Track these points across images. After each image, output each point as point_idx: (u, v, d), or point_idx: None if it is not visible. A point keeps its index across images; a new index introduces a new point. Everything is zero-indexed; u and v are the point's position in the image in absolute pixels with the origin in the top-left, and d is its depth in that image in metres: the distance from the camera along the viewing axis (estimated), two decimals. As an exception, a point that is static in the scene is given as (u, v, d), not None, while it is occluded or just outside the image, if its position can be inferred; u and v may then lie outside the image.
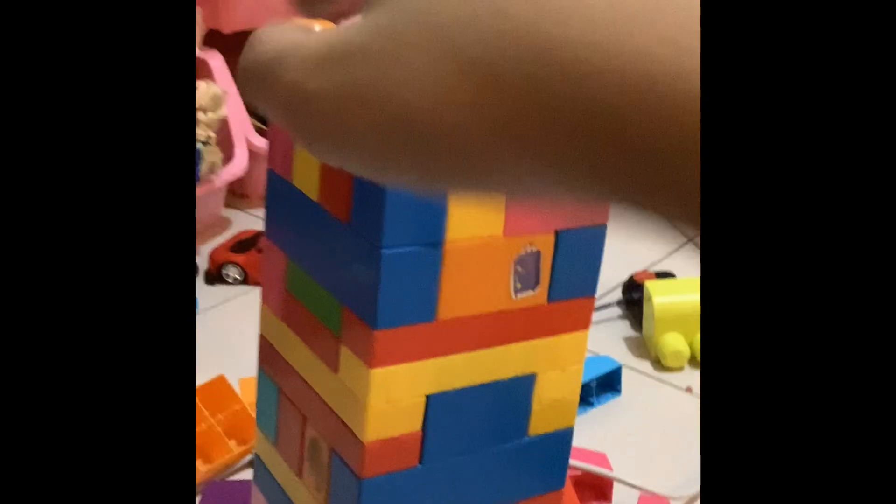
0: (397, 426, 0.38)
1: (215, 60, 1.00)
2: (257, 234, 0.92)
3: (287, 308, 0.43)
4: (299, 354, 0.42)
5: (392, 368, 0.37)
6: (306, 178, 0.40)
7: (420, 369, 0.38)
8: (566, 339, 0.42)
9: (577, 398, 0.44)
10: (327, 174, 0.38)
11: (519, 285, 0.39)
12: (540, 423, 0.42)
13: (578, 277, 0.41)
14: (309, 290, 0.40)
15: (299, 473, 0.43)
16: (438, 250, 0.36)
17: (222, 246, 0.91)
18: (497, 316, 0.39)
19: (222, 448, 0.62)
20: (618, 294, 0.86)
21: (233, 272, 0.88)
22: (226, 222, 1.02)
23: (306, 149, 0.18)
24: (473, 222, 0.37)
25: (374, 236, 0.35)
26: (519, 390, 0.41)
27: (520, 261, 0.39)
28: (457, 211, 0.36)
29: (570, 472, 0.50)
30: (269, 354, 0.45)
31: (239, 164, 0.96)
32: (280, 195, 0.42)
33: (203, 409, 0.62)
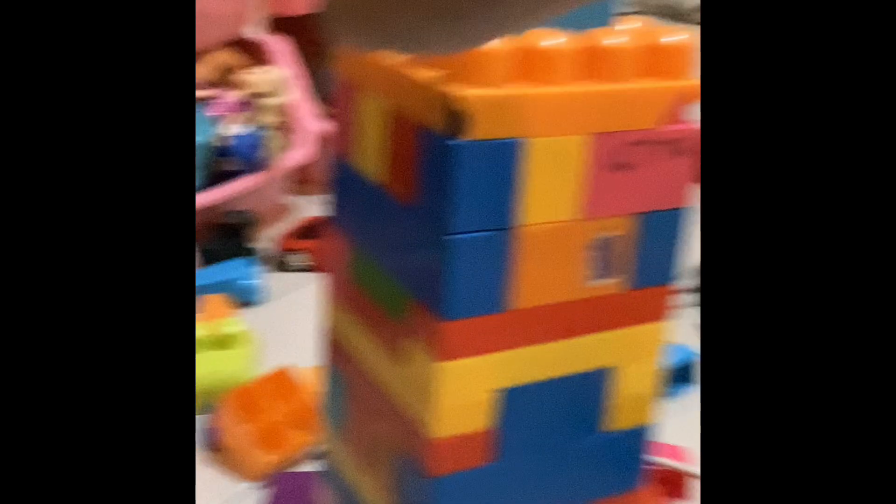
0: (468, 422, 0.36)
1: (280, 45, 0.99)
2: (322, 221, 0.91)
3: (352, 297, 0.41)
4: (365, 346, 0.40)
5: (462, 362, 0.35)
6: (371, 161, 0.38)
7: (491, 362, 0.36)
8: (645, 330, 0.39)
9: (656, 393, 0.41)
10: (392, 157, 0.36)
11: (596, 272, 0.37)
12: (617, 419, 0.40)
13: (658, 264, 0.38)
14: (374, 279, 0.39)
15: (367, 469, 0.41)
16: (511, 236, 0.34)
17: (287, 233, 0.90)
18: (572, 305, 0.37)
19: (287, 439, 0.61)
20: (694, 280, 0.83)
21: (297, 259, 0.87)
22: (290, 209, 1.01)
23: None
24: (548, 205, 0.34)
25: (442, 221, 0.33)
26: (595, 384, 0.39)
27: (597, 246, 0.36)
28: (531, 193, 0.34)
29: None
30: (333, 345, 0.43)
31: (303, 150, 0.95)
32: (344, 179, 0.40)
33: (268, 398, 0.61)
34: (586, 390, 0.39)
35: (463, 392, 0.35)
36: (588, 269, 0.36)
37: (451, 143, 0.32)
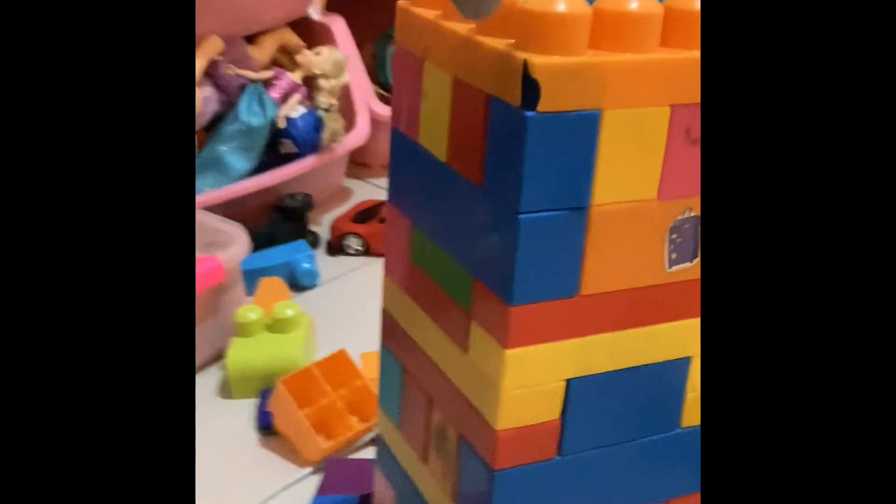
0: (534, 413, 0.34)
1: (337, 25, 0.98)
2: (379, 204, 0.90)
3: (412, 280, 0.39)
4: (425, 331, 0.38)
5: (529, 349, 0.33)
6: (434, 136, 0.36)
7: (560, 350, 0.33)
8: (725, 319, 0.36)
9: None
10: (458, 131, 0.34)
11: (674, 256, 0.34)
12: (695, 414, 0.37)
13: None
14: (436, 261, 0.37)
15: (424, 459, 0.39)
16: (583, 216, 0.32)
17: (343, 216, 0.89)
18: (648, 291, 0.34)
19: (343, 424, 0.59)
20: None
21: (354, 243, 0.86)
22: (347, 192, 1.00)
23: None
24: (623, 184, 0.32)
25: (510, 200, 0.31)
26: (671, 376, 0.36)
27: (676, 228, 0.34)
28: (605, 171, 0.31)
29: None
30: (392, 330, 0.42)
31: (361, 132, 0.93)
32: (404, 157, 0.39)
33: (324, 383, 0.60)
34: (662, 382, 0.36)
35: (529, 381, 0.33)
36: (666, 253, 0.34)
37: (522, 114, 0.30)
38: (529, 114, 0.29)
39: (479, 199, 0.33)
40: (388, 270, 0.42)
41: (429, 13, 0.35)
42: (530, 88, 0.29)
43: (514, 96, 0.30)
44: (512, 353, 0.32)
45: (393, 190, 0.40)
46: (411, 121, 0.37)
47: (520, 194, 0.31)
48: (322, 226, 0.91)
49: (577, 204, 0.31)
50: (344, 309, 0.76)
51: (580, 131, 0.30)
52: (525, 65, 0.29)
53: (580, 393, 0.34)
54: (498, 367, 0.33)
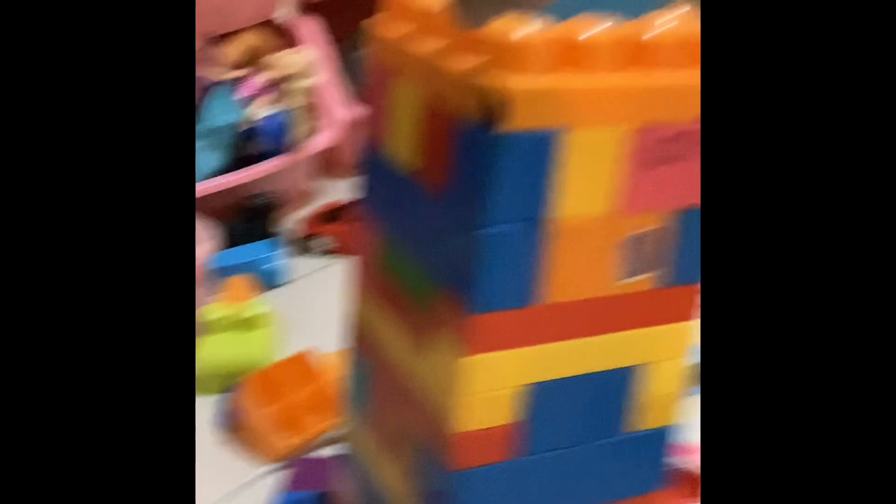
0: (492, 417, 0.35)
1: (309, 26, 0.98)
2: (347, 205, 0.91)
3: (379, 284, 0.40)
4: (390, 334, 0.40)
5: (488, 355, 0.34)
6: (403, 148, 0.37)
7: (518, 357, 0.35)
8: (677, 329, 0.38)
9: (682, 393, 0.40)
10: (425, 145, 0.35)
11: (630, 268, 0.36)
12: (642, 419, 0.39)
13: (689, 262, 0.37)
14: (403, 267, 0.38)
15: (387, 458, 0.41)
16: (543, 229, 0.33)
17: (312, 216, 0.90)
18: (603, 301, 0.36)
19: (308, 422, 0.61)
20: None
21: (322, 243, 0.87)
22: (316, 191, 1.01)
23: None
24: (583, 199, 0.34)
25: (473, 213, 0.32)
26: (622, 383, 0.38)
27: (632, 242, 0.35)
28: (567, 186, 0.33)
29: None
30: (358, 332, 0.43)
31: (330, 133, 0.94)
32: (375, 166, 0.40)
33: (288, 382, 0.61)
34: (614, 388, 0.38)
35: (488, 386, 0.35)
36: (621, 266, 0.36)
37: (488, 133, 0.31)
38: (494, 132, 0.31)
39: (444, 211, 0.34)
40: (357, 274, 0.43)
41: (399, 29, 0.37)
42: (495, 108, 0.31)
43: (479, 115, 0.31)
44: (471, 359, 0.34)
45: (364, 196, 0.42)
46: (382, 132, 0.39)
47: (483, 207, 0.32)
48: (290, 225, 0.92)
49: (537, 217, 0.33)
50: (310, 308, 0.77)
51: (542, 149, 0.32)
52: (491, 86, 0.30)
53: (537, 398, 0.36)
54: (457, 372, 0.34)
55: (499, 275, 0.33)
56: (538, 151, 0.32)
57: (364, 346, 0.42)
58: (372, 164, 0.40)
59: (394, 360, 0.39)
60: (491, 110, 0.31)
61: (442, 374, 0.36)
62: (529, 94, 0.31)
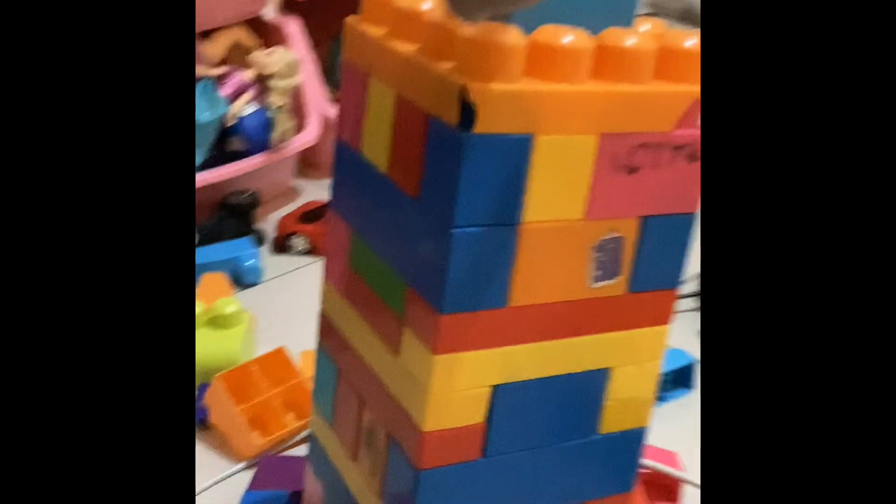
0: (460, 416, 0.36)
1: (292, 26, 0.99)
2: (326, 205, 0.91)
3: (349, 284, 0.40)
4: (360, 334, 0.40)
5: (457, 355, 0.35)
6: (376, 148, 0.37)
7: (487, 358, 0.35)
8: (645, 334, 0.39)
9: (652, 397, 0.41)
10: (398, 145, 0.36)
11: (598, 273, 0.36)
12: (612, 421, 0.40)
13: (662, 268, 0.38)
14: (372, 267, 0.38)
15: (354, 457, 0.41)
16: (513, 232, 0.34)
17: (290, 215, 0.89)
18: (572, 305, 0.36)
19: (279, 421, 0.60)
20: (694, 285, 0.82)
21: (299, 242, 0.87)
22: (295, 192, 1.01)
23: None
24: (553, 204, 0.34)
25: (444, 214, 0.33)
26: (591, 385, 0.38)
27: (600, 247, 0.36)
28: (535, 191, 0.33)
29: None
30: (328, 331, 0.43)
31: (311, 133, 0.94)
32: (347, 165, 0.40)
33: (262, 380, 0.61)
34: (583, 391, 0.38)
35: (456, 386, 0.35)
36: (590, 270, 0.36)
37: (458, 135, 0.31)
38: (466, 135, 0.31)
39: (416, 212, 0.35)
40: (327, 273, 0.43)
41: (376, 30, 0.37)
42: (467, 111, 0.31)
43: (452, 117, 0.31)
44: (440, 359, 0.34)
45: (335, 196, 0.42)
46: (355, 131, 0.39)
47: (454, 209, 0.32)
48: (268, 224, 0.92)
49: (508, 221, 0.33)
50: (286, 307, 0.77)
51: (513, 153, 0.32)
52: (463, 89, 0.31)
53: (505, 398, 0.36)
54: (427, 372, 0.35)
55: (469, 276, 0.33)
56: (508, 155, 0.32)
57: (332, 345, 0.42)
58: (343, 162, 0.40)
59: (361, 359, 0.40)
60: (463, 112, 0.31)
61: (410, 373, 0.36)
62: (502, 98, 0.31)
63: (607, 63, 0.33)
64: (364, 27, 0.38)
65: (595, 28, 0.33)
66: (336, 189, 0.42)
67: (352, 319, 0.40)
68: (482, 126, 0.31)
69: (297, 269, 0.85)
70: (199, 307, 0.68)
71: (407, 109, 0.35)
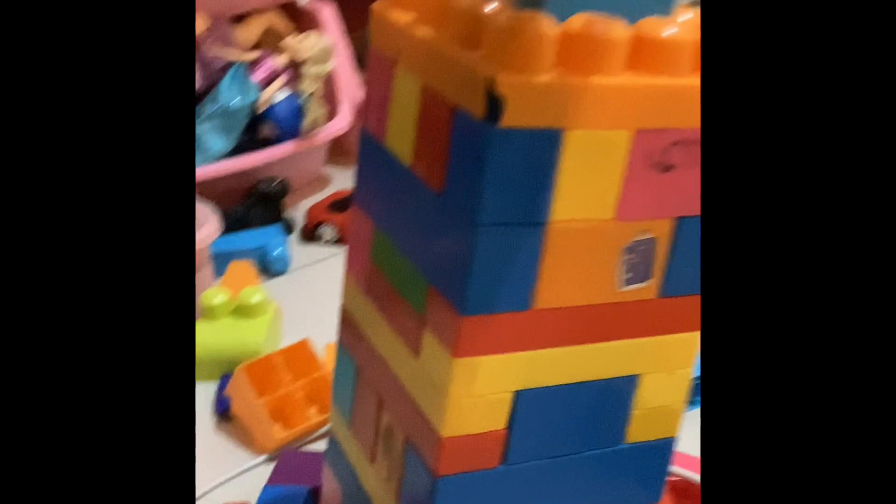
0: (480, 422, 0.34)
1: (326, 12, 0.97)
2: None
3: (370, 279, 0.39)
4: (380, 332, 0.38)
5: (478, 359, 0.33)
6: (400, 140, 0.36)
7: (510, 362, 0.34)
8: (676, 340, 0.37)
9: (683, 405, 0.39)
10: (423, 137, 0.34)
11: (628, 276, 0.34)
12: (640, 430, 0.38)
13: (696, 272, 0.36)
14: (394, 263, 0.37)
15: (371, 458, 0.40)
16: (540, 231, 0.32)
17: (319, 204, 0.89)
18: (601, 309, 0.34)
19: (301, 415, 0.60)
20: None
21: (328, 232, 0.86)
22: (326, 180, 1.00)
23: None
24: (583, 202, 0.32)
25: (469, 210, 0.31)
26: (618, 393, 0.37)
27: (632, 249, 0.34)
28: (564, 189, 0.31)
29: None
30: (349, 327, 0.42)
31: (343, 121, 0.93)
32: (371, 156, 0.39)
33: (285, 372, 0.60)
34: (609, 398, 0.37)
35: (477, 390, 0.34)
36: (620, 273, 0.34)
37: (485, 128, 0.30)
38: (492, 128, 0.30)
39: (439, 207, 0.33)
40: (349, 267, 0.42)
41: (404, 17, 0.35)
42: (494, 104, 0.29)
43: (478, 110, 0.30)
44: (461, 362, 0.33)
45: (358, 187, 0.40)
46: (380, 122, 0.37)
47: (478, 206, 0.31)
48: (297, 212, 0.91)
49: (535, 219, 0.32)
50: (312, 297, 0.76)
51: (542, 149, 0.31)
52: (491, 80, 0.29)
53: (527, 405, 0.35)
54: (447, 375, 0.33)
55: (493, 277, 0.32)
56: (537, 150, 0.30)
57: (352, 342, 0.41)
58: (367, 152, 0.39)
59: (380, 358, 0.38)
60: (489, 104, 0.29)
61: (430, 376, 0.34)
62: (531, 90, 0.29)
63: (644, 55, 0.31)
64: (391, 13, 0.36)
65: (632, 17, 0.31)
66: (360, 180, 0.40)
67: (372, 316, 0.39)
68: (510, 119, 0.30)
69: (325, 258, 0.84)
70: (225, 296, 0.67)
71: (433, 100, 0.33)
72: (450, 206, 0.32)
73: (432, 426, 0.34)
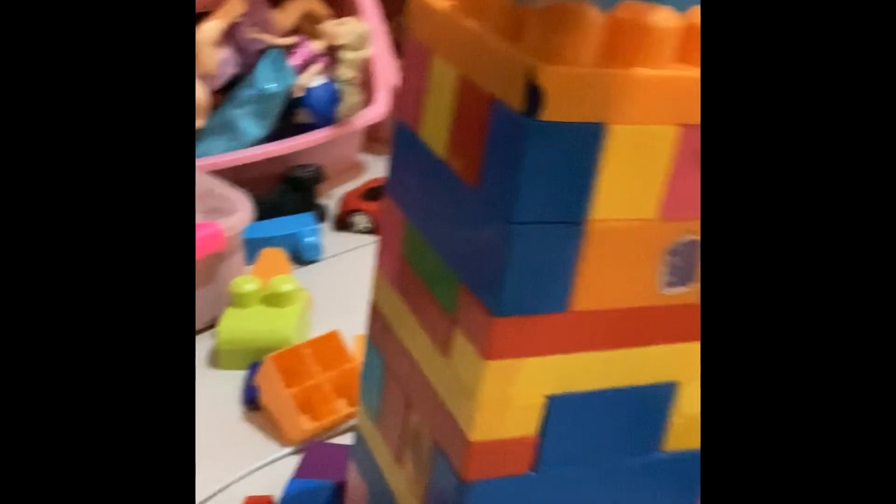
0: (510, 427, 0.33)
1: (365, -2, 0.96)
2: (390, 183, 0.89)
3: (401, 276, 0.38)
4: (410, 330, 0.37)
5: (510, 361, 0.32)
6: (435, 131, 0.34)
7: (543, 365, 0.32)
8: (720, 346, 0.35)
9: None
10: (459, 130, 0.33)
11: (671, 279, 0.33)
12: (678, 439, 0.36)
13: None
14: (426, 260, 0.36)
15: (398, 459, 0.39)
16: (579, 230, 0.30)
17: (354, 192, 0.88)
18: (640, 312, 0.33)
19: (329, 406, 0.59)
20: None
21: (361, 220, 0.85)
22: (361, 167, 0.99)
23: None
24: (625, 201, 0.31)
25: (505, 207, 0.30)
26: (657, 399, 0.35)
27: (675, 251, 0.32)
28: (606, 186, 0.30)
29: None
30: (378, 324, 0.41)
31: (379, 108, 0.92)
32: (405, 147, 0.37)
33: (314, 363, 0.59)
34: (647, 405, 0.35)
35: (508, 394, 0.32)
36: (663, 275, 0.33)
37: (524, 121, 0.28)
38: (531, 122, 0.28)
39: (474, 203, 0.32)
40: (380, 261, 0.41)
41: (442, 3, 0.34)
42: (534, 96, 0.28)
43: (518, 102, 0.28)
44: (492, 365, 0.31)
45: (391, 179, 0.39)
46: (414, 112, 0.36)
47: (515, 203, 0.29)
48: (331, 199, 0.90)
49: (573, 218, 0.30)
50: (344, 287, 0.75)
51: (583, 144, 0.29)
52: (531, 71, 0.28)
53: (560, 410, 0.33)
54: (477, 377, 0.32)
55: (528, 277, 0.31)
56: (578, 145, 0.29)
57: (382, 340, 0.40)
58: (400, 143, 0.38)
59: (409, 356, 0.37)
60: (529, 96, 0.28)
61: (461, 378, 0.33)
62: (574, 82, 0.28)
63: (695, 45, 0.29)
64: (431, 0, 0.35)
65: (680, 5, 0.29)
66: (392, 172, 0.39)
67: (402, 313, 0.38)
68: (550, 113, 0.28)
69: (357, 247, 0.83)
70: (255, 284, 0.66)
71: (470, 91, 0.32)
72: (485, 202, 0.31)
73: (461, 429, 0.33)
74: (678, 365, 0.35)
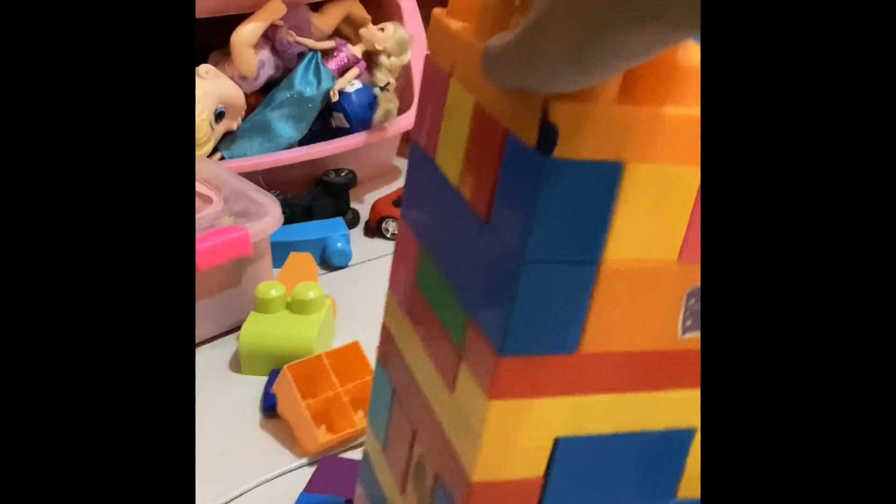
0: (515, 468, 0.32)
1: (407, 2, 0.95)
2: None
3: (412, 301, 0.37)
4: (418, 358, 0.36)
5: (516, 402, 0.31)
6: (450, 158, 0.33)
7: (551, 407, 0.31)
8: (740, 392, 0.33)
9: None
10: (472, 159, 0.32)
11: (689, 323, 0.31)
12: (694, 487, 0.35)
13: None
14: (437, 288, 0.35)
15: (402, 488, 0.38)
16: (592, 271, 0.29)
17: (385, 198, 0.87)
18: (656, 356, 0.32)
19: (347, 419, 0.58)
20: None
21: (392, 227, 0.84)
22: (396, 173, 0.98)
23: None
24: (642, 242, 0.29)
25: (515, 244, 0.29)
26: (672, 446, 0.34)
27: (695, 294, 0.31)
28: (622, 227, 0.29)
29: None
30: (388, 347, 0.40)
31: (414, 114, 0.91)
32: (420, 171, 0.36)
33: (332, 374, 0.59)
34: (661, 451, 0.34)
35: (514, 435, 0.31)
36: (680, 319, 0.31)
37: (537, 157, 0.27)
38: (544, 158, 0.27)
39: (485, 236, 0.31)
40: (392, 284, 0.40)
41: (462, 26, 0.33)
42: (548, 132, 0.27)
43: (531, 137, 0.27)
44: (496, 405, 0.30)
45: (406, 201, 0.38)
46: (431, 136, 0.35)
47: (526, 240, 0.28)
48: (364, 204, 0.90)
49: (586, 258, 0.29)
50: (370, 295, 0.74)
51: (598, 182, 0.28)
52: (544, 106, 0.26)
53: (568, 453, 0.32)
54: (481, 416, 0.31)
55: (537, 317, 0.29)
56: (594, 184, 0.28)
57: (391, 365, 0.39)
58: (416, 166, 0.37)
59: (417, 386, 0.36)
60: (544, 132, 0.27)
61: (466, 414, 0.32)
62: (589, 119, 0.27)
63: (721, 85, 0.28)
64: (450, 21, 0.34)
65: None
66: (408, 194, 0.38)
67: (411, 340, 0.37)
68: (564, 150, 0.27)
69: (387, 254, 0.82)
70: (279, 290, 0.66)
71: (485, 121, 0.30)
72: (496, 237, 0.30)
73: (463, 467, 0.32)
74: (695, 411, 0.33)
